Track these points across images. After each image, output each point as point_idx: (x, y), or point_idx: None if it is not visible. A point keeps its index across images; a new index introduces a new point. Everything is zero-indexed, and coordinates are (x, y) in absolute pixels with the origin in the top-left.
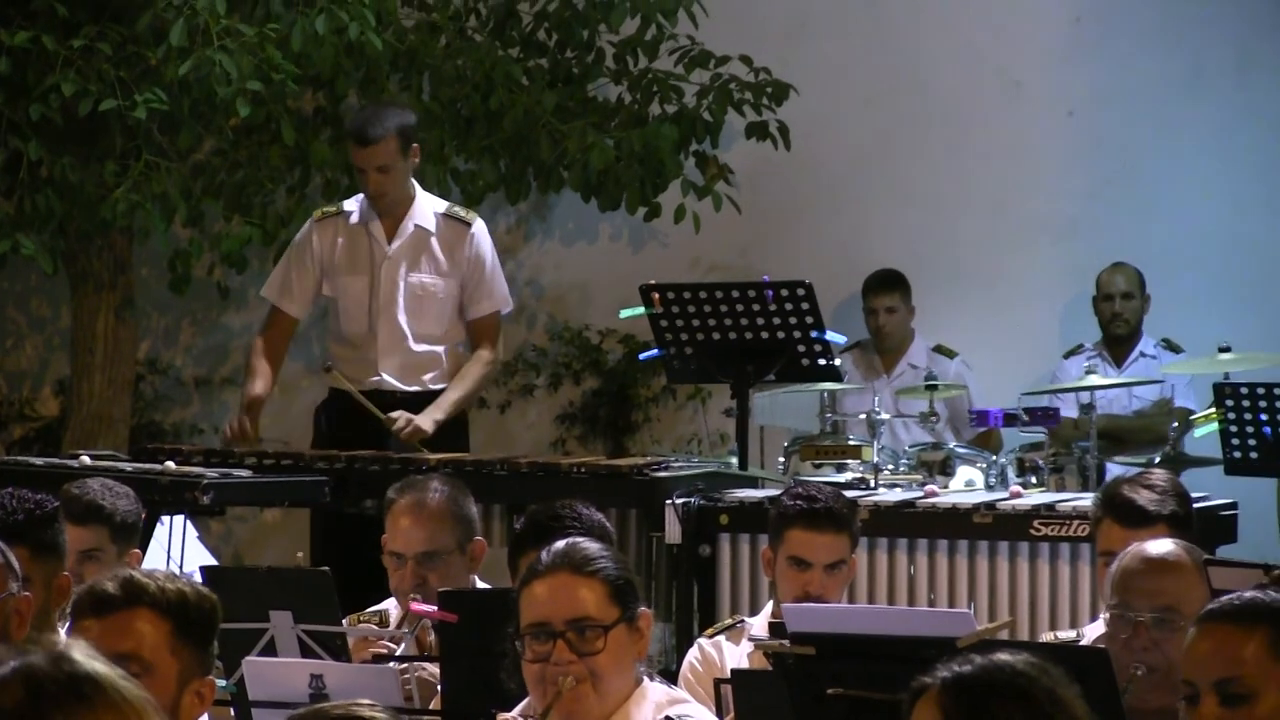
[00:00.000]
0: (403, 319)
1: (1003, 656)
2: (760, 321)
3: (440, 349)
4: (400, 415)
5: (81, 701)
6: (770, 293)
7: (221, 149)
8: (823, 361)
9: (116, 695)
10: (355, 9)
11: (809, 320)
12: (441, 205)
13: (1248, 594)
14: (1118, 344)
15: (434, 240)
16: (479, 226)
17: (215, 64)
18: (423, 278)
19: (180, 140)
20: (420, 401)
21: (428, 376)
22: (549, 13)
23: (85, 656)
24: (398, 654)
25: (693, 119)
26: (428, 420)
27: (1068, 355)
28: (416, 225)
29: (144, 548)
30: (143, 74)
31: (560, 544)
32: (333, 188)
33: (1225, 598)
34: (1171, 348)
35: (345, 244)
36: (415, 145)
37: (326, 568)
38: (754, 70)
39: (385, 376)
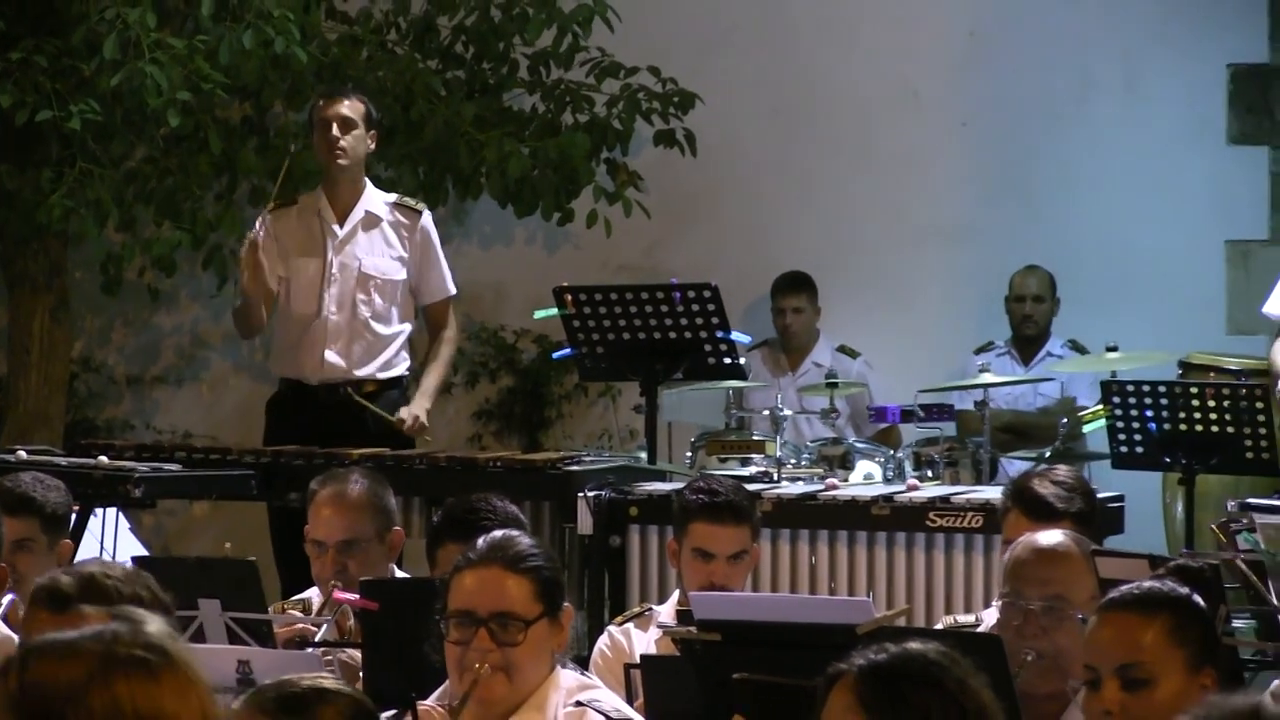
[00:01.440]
0: (354, 301)
1: (915, 645)
2: (669, 322)
3: (388, 331)
4: (405, 414)
5: (149, 672)
6: (678, 294)
7: (153, 157)
8: (728, 360)
9: (183, 670)
10: (281, 24)
11: (715, 320)
12: (391, 196)
13: (1148, 583)
14: (1027, 344)
15: (385, 225)
16: (428, 216)
17: (146, 75)
18: (375, 260)
19: (113, 148)
20: (377, 387)
21: (377, 362)
22: (466, 26)
23: (159, 629)
24: (317, 639)
25: (604, 127)
26: (422, 412)
27: (978, 351)
28: (367, 211)
29: (78, 539)
30: (77, 85)
31: (497, 535)
32: (259, 194)
33: (1126, 587)
34: (1078, 349)
35: (298, 226)
36: (374, 131)
37: (254, 558)
38: (662, 80)
39: (333, 359)
